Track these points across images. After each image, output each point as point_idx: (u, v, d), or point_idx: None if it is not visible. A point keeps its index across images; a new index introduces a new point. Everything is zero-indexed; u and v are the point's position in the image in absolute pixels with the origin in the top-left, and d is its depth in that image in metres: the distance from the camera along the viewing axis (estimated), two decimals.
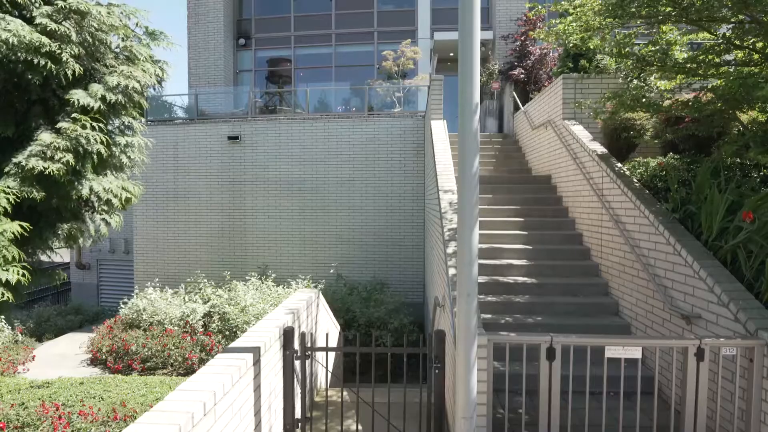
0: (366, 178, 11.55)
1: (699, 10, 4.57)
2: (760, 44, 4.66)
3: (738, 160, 5.06)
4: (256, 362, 3.05)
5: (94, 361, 8.91)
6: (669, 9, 4.68)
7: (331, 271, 11.37)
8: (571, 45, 6.49)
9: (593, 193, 5.96)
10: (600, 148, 6.22)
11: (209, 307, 9.43)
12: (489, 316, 5.09)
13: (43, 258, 5.66)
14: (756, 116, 5.13)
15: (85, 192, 4.41)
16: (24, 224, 3.86)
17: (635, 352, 3.15)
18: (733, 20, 4.65)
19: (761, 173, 4.82)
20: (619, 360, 3.18)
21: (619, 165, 5.73)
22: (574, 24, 5.53)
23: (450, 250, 4.82)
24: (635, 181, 5.32)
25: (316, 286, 10.52)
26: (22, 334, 10.19)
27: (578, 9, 5.45)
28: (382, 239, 11.47)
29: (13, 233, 3.66)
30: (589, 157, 6.19)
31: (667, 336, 4.21)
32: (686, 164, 5.07)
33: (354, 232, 11.57)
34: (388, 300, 9.82)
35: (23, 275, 3.80)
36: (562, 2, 5.64)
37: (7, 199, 3.71)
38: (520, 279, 5.75)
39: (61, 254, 10.03)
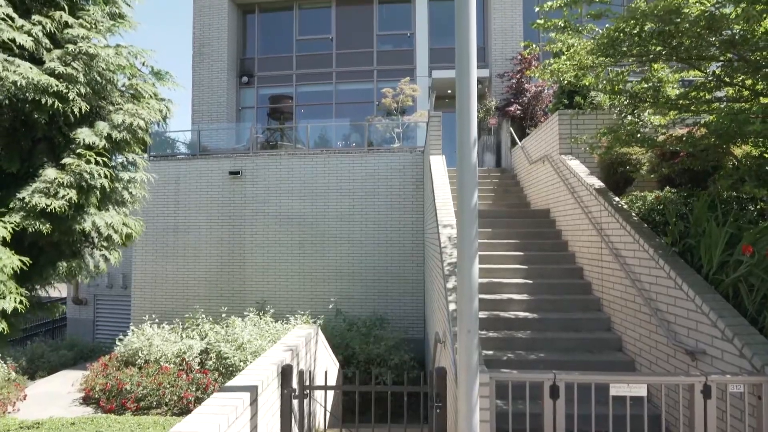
0: (366, 213, 11.60)
1: (688, 49, 4.72)
2: (749, 81, 4.79)
3: (734, 193, 5.11)
4: (253, 402, 2.98)
5: (86, 400, 8.69)
6: (659, 48, 4.83)
7: (330, 306, 11.25)
8: (565, 82, 6.66)
9: (592, 227, 5.98)
10: (597, 183, 6.27)
11: (206, 343, 9.27)
12: (490, 352, 5.01)
13: (41, 293, 5.62)
14: (749, 150, 5.21)
15: (87, 226, 4.43)
16: (24, 259, 3.86)
17: (640, 390, 3.09)
18: (722, 59, 4.80)
19: (758, 206, 4.85)
20: (624, 398, 3.11)
21: (617, 199, 5.77)
22: (568, 63, 5.69)
23: (450, 285, 4.79)
24: (633, 215, 5.34)
25: (314, 322, 10.38)
26: (14, 372, 9.97)
27: (571, 49, 5.62)
28: (381, 273, 11.41)
29: (12, 269, 3.65)
30: (586, 192, 6.24)
31: (672, 372, 4.13)
32: (683, 198, 5.11)
33: (353, 267, 11.52)
34: (387, 336, 9.67)
35: (20, 302, 3.76)
36: (557, 43, 5.82)
37: (6, 228, 3.72)
38: (521, 314, 5.69)
39: (59, 289, 9.95)
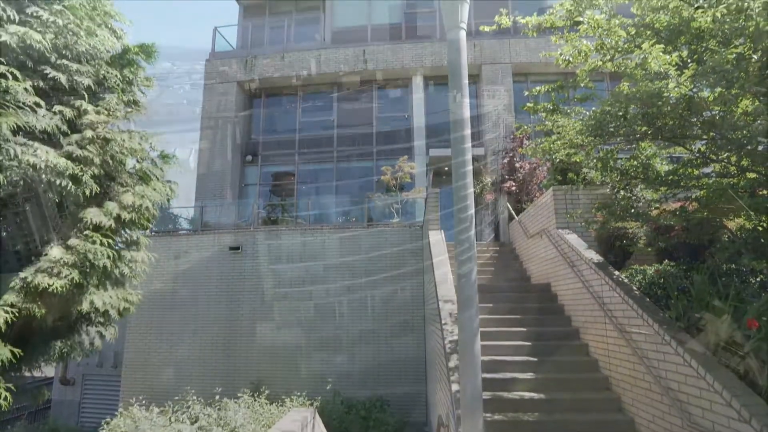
0: (365, 288, 11.48)
1: (672, 129, 4.97)
2: (734, 158, 4.98)
3: (733, 266, 5.12)
4: None
5: None
6: (645, 128, 5.08)
7: (328, 387, 10.78)
8: (558, 160, 6.92)
9: (594, 302, 5.91)
10: (596, 257, 6.29)
11: (197, 428, 8.76)
12: None
13: (26, 374, 5.41)
14: (743, 223, 5.29)
15: (85, 306, 4.40)
16: (15, 350, 3.76)
17: None
18: (705, 137, 5.03)
19: (758, 279, 4.84)
20: None
21: (617, 273, 5.76)
22: (559, 142, 5.95)
23: (452, 364, 4.65)
24: (635, 289, 5.31)
25: (311, 404, 9.89)
26: None
27: (561, 128, 5.91)
28: (381, 351, 11.05)
29: (2, 361, 3.56)
30: (586, 266, 6.24)
31: None
32: (683, 271, 5.12)
33: (353, 344, 11.19)
34: (388, 420, 9.17)
35: (5, 399, 3.61)
36: (546, 122, 6.13)
37: (5, 318, 3.67)
38: (527, 394, 5.45)
39: (43, 371, 9.57)
